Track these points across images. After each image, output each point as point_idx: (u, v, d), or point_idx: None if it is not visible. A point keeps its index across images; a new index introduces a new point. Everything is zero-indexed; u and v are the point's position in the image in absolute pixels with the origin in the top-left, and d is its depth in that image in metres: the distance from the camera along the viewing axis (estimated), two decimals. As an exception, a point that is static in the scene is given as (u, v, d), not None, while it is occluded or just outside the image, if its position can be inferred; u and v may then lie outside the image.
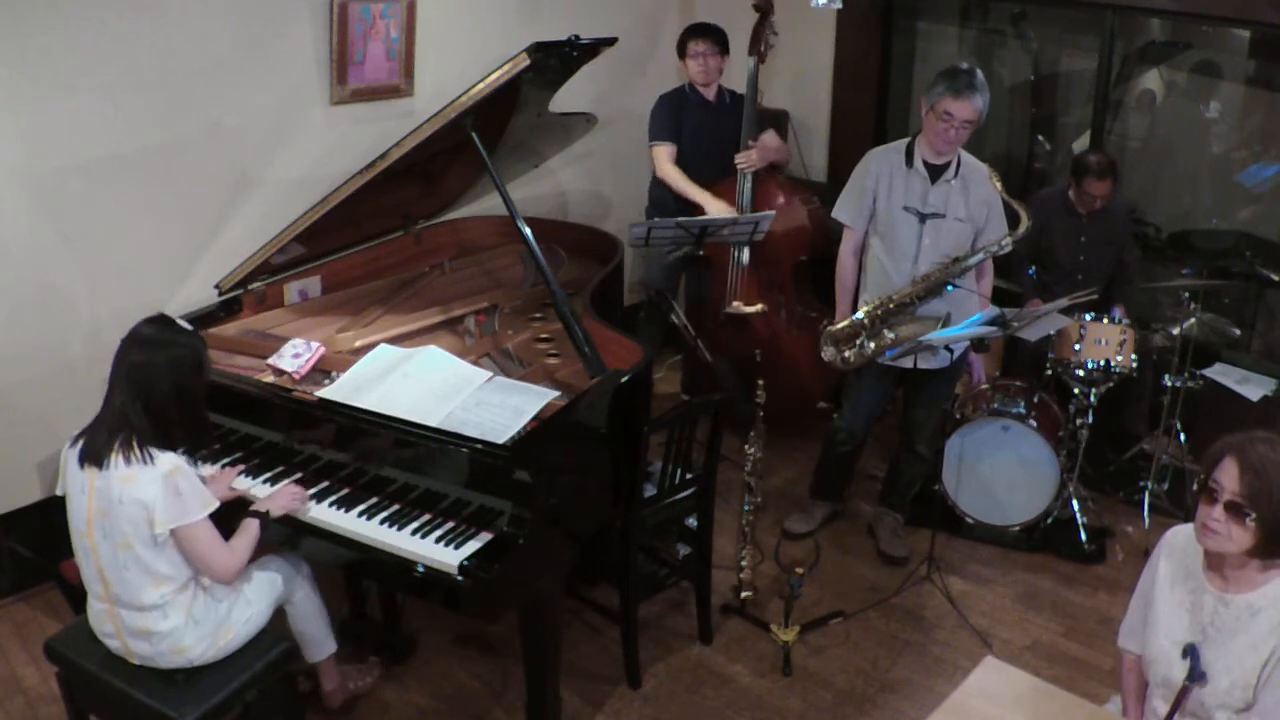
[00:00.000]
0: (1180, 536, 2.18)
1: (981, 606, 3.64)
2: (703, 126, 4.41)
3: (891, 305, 3.49)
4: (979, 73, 3.36)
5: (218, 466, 2.79)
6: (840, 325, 3.60)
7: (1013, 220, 3.46)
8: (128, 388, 2.35)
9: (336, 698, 2.97)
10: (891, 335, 3.49)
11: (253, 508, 2.57)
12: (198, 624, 2.45)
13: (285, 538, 2.68)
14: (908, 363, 3.52)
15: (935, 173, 3.47)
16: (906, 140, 3.53)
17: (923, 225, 3.47)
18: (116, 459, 2.32)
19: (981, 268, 3.58)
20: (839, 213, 3.67)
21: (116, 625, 2.44)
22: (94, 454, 2.35)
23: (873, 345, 3.52)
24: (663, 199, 4.46)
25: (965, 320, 3.46)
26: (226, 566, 2.46)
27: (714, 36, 4.34)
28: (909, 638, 3.48)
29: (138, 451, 2.33)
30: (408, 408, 2.63)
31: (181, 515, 2.35)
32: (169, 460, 2.35)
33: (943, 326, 3.40)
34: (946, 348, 3.46)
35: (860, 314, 3.55)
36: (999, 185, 3.39)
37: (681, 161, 4.40)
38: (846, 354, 3.59)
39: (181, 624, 2.42)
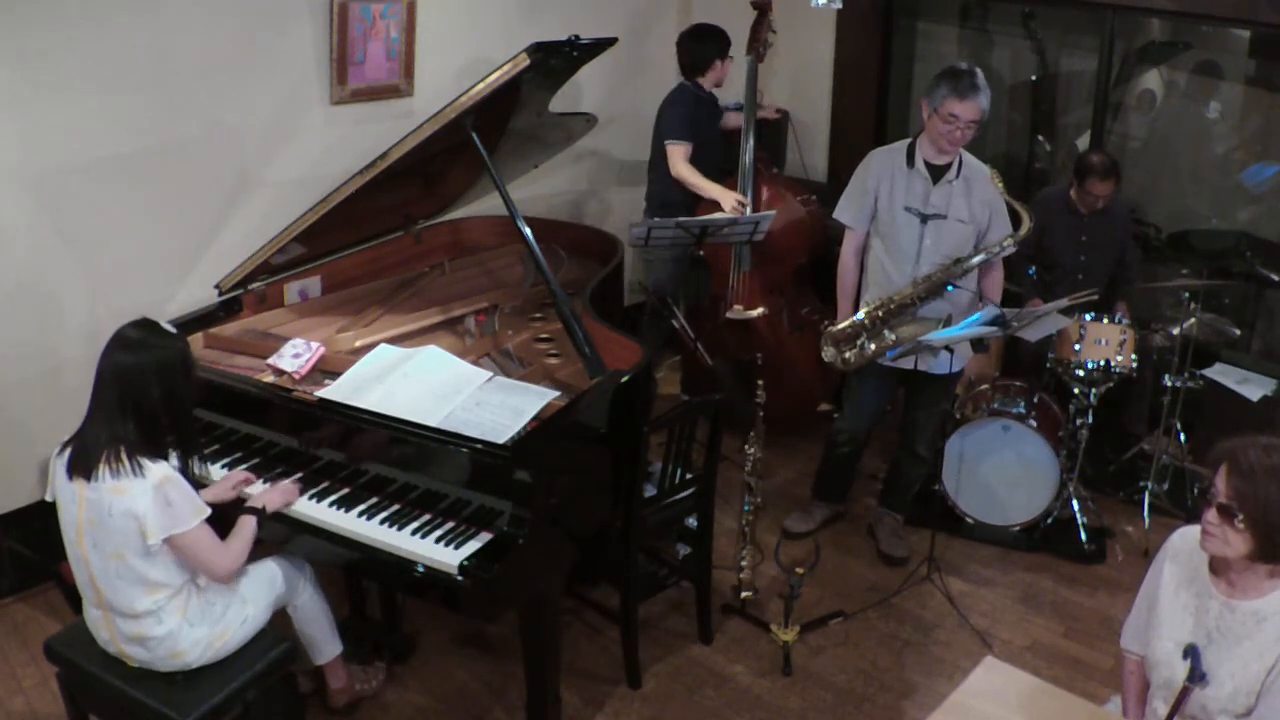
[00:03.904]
0: (1186, 539, 2.17)
1: (981, 606, 3.64)
2: (711, 127, 4.41)
3: (892, 306, 3.49)
4: (979, 72, 3.36)
5: (219, 466, 2.79)
6: (841, 326, 3.60)
7: (1014, 221, 3.46)
8: (116, 392, 2.33)
9: (342, 697, 2.97)
10: (892, 336, 3.48)
11: (248, 505, 2.57)
12: (193, 627, 2.45)
13: (283, 537, 2.68)
14: (908, 364, 3.52)
15: (937, 173, 3.47)
16: (908, 141, 3.53)
17: (924, 226, 3.47)
18: (104, 470, 2.30)
19: (991, 271, 3.57)
20: (840, 214, 3.66)
21: (112, 632, 2.44)
22: (82, 465, 2.33)
23: (873, 346, 3.52)
24: (663, 199, 4.45)
25: (965, 320, 3.46)
26: (225, 568, 2.46)
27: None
28: (909, 638, 3.48)
29: (126, 463, 2.30)
30: (408, 408, 2.63)
31: (173, 525, 2.34)
32: (159, 471, 2.32)
33: (943, 327, 3.39)
34: (948, 348, 3.46)
35: (861, 314, 3.55)
36: (1000, 186, 3.39)
37: (691, 161, 4.39)
38: (847, 354, 3.59)
39: (176, 628, 2.42)
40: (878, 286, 3.58)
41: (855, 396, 3.82)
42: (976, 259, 3.43)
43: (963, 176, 3.46)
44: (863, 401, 3.79)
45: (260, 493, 2.63)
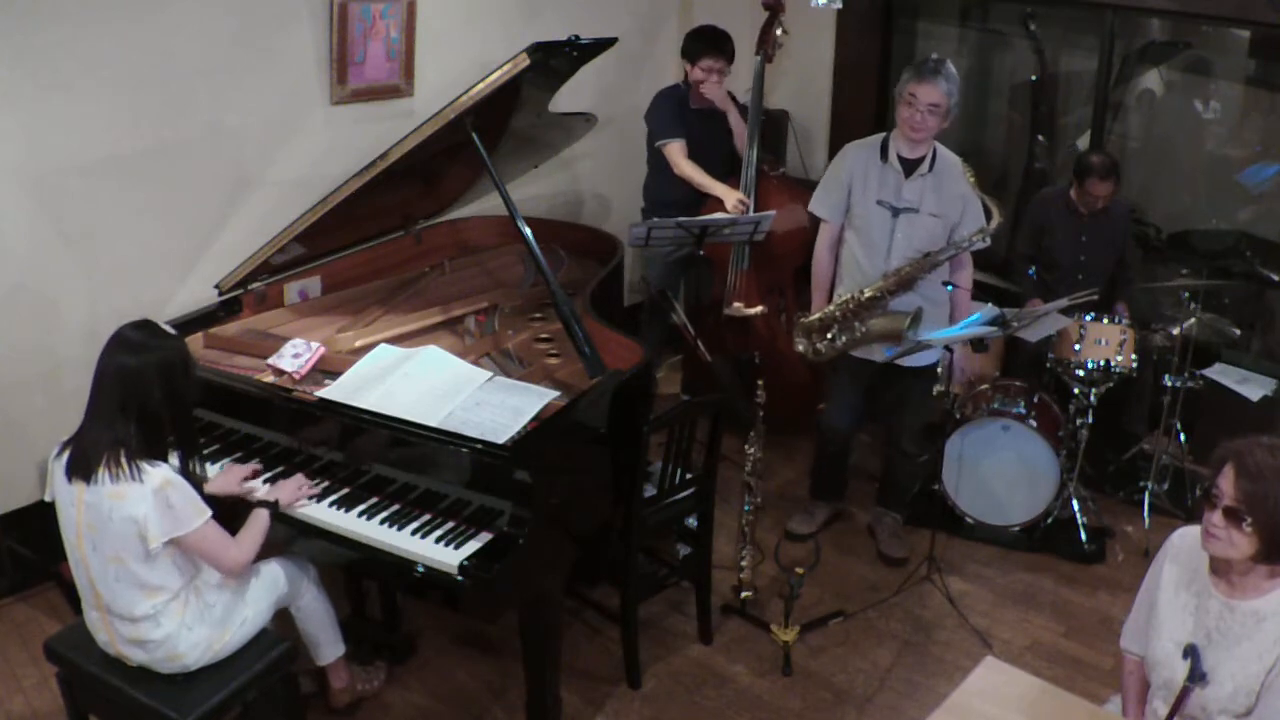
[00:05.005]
0: (1186, 539, 2.17)
1: (981, 606, 3.63)
2: (701, 126, 4.40)
3: (863, 299, 3.49)
4: (949, 63, 3.39)
5: (218, 466, 2.78)
6: (812, 317, 3.62)
7: (986, 215, 3.46)
8: (118, 394, 2.32)
9: (343, 697, 2.97)
10: (862, 328, 3.50)
11: (260, 499, 2.58)
12: (191, 630, 2.44)
13: (286, 538, 2.68)
14: (879, 356, 3.55)
15: (909, 167, 3.48)
16: (882, 135, 3.56)
17: (896, 219, 3.49)
18: (104, 474, 2.29)
19: (961, 266, 3.59)
20: (815, 206, 3.69)
21: (110, 634, 2.44)
22: (82, 467, 2.32)
23: (844, 338, 3.53)
24: (662, 197, 4.45)
25: (938, 315, 3.51)
26: (236, 561, 2.46)
27: (727, 53, 4.31)
28: (909, 638, 3.48)
29: (125, 467, 2.29)
30: (408, 408, 2.63)
31: (176, 527, 2.33)
32: (159, 475, 2.31)
33: (913, 321, 3.40)
34: (947, 348, 3.46)
35: (832, 306, 3.57)
36: (972, 179, 3.39)
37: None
38: (819, 346, 3.61)
39: (175, 631, 2.42)
40: (851, 279, 3.60)
41: (833, 391, 3.84)
42: (946, 253, 3.44)
43: (935, 170, 3.48)
44: (840, 396, 3.81)
45: (273, 487, 2.62)
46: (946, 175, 3.48)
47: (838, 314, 3.54)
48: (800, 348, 3.66)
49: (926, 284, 3.49)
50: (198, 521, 2.37)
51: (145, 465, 2.31)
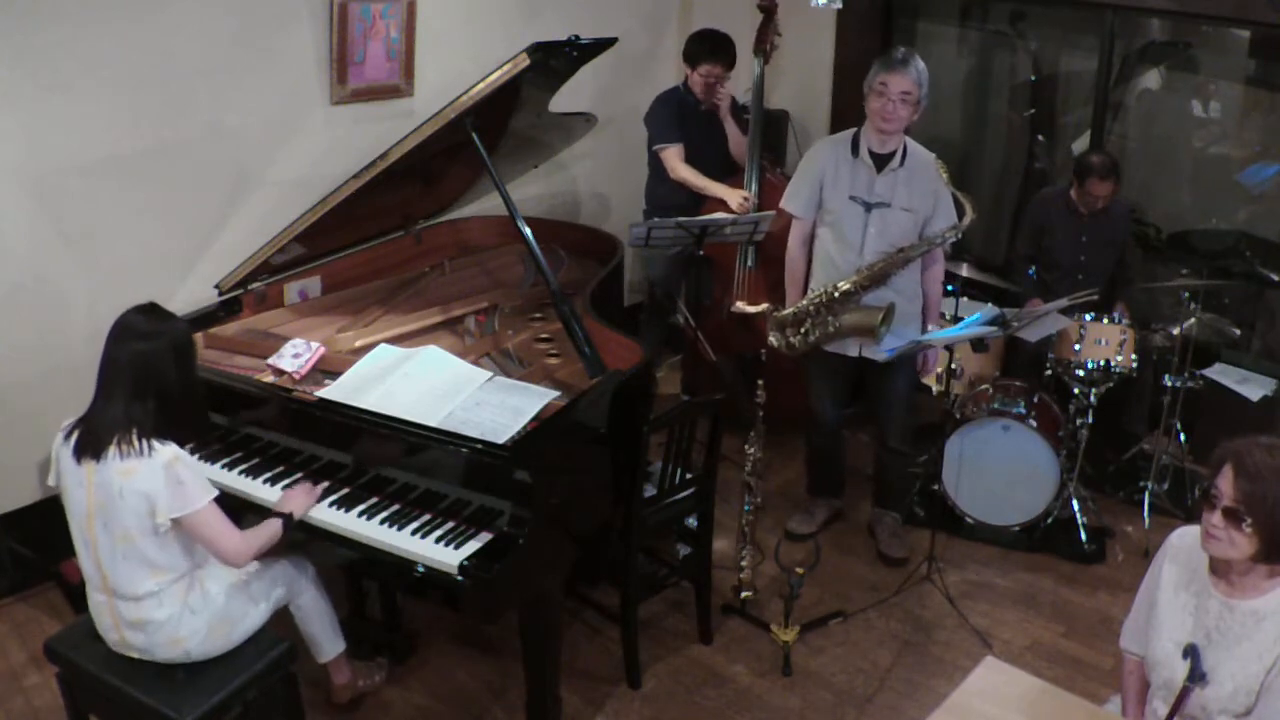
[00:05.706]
0: (1185, 539, 2.17)
1: (981, 606, 3.63)
2: (700, 128, 4.40)
3: (836, 294, 3.50)
4: (916, 56, 3.42)
5: (218, 466, 2.79)
6: (786, 311, 3.64)
7: (958, 211, 3.46)
8: (132, 378, 2.35)
9: (345, 693, 2.98)
10: (835, 323, 3.50)
11: (274, 508, 2.58)
12: (194, 614, 2.45)
13: (294, 539, 2.68)
14: (853, 351, 3.57)
15: (880, 162, 3.49)
16: (853, 131, 3.57)
17: (868, 214, 3.49)
18: (114, 452, 2.32)
19: (932, 264, 3.60)
20: (787, 203, 3.69)
21: (114, 617, 2.45)
22: (92, 446, 2.34)
23: (817, 333, 3.55)
24: (662, 200, 4.45)
25: (911, 310, 3.53)
26: (237, 550, 2.46)
27: (726, 59, 4.30)
28: (909, 638, 3.48)
29: (136, 444, 2.32)
30: (408, 408, 2.64)
31: (184, 504, 2.35)
32: (169, 450, 2.35)
33: (885, 316, 3.41)
34: (946, 347, 3.45)
35: (805, 301, 3.58)
36: (945, 176, 3.39)
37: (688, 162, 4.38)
38: (792, 340, 3.62)
39: (177, 614, 2.43)
40: (825, 275, 3.61)
41: (813, 390, 3.85)
42: (919, 249, 3.44)
43: (907, 165, 3.49)
44: (818, 390, 3.82)
45: (282, 498, 2.63)
46: (918, 170, 3.48)
47: (811, 308, 3.56)
48: (773, 340, 3.68)
49: (899, 279, 3.51)
50: (205, 499, 2.39)
51: (156, 443, 2.34)
